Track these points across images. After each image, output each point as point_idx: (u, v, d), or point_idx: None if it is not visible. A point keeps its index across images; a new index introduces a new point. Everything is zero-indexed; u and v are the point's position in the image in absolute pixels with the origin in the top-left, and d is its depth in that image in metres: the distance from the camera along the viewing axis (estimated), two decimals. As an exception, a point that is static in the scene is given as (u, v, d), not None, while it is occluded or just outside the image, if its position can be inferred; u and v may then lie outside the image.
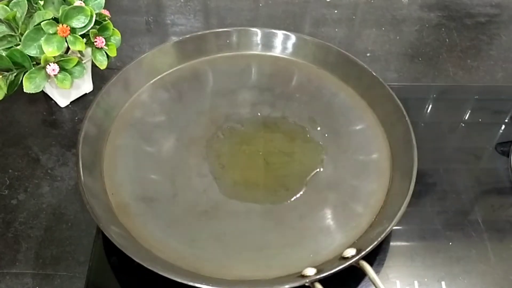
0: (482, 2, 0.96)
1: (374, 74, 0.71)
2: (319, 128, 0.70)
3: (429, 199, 0.67)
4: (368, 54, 0.85)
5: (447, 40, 0.89)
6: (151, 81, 0.74)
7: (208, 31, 0.78)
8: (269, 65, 0.77)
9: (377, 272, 0.59)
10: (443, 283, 0.58)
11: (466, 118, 0.77)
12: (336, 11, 0.93)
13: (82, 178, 0.58)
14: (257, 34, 0.78)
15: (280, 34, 0.77)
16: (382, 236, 0.55)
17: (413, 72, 0.83)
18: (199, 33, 0.77)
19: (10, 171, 0.67)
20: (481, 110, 0.79)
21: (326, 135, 0.69)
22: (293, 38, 0.77)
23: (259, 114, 0.72)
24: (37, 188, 0.66)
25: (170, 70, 0.75)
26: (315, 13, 0.94)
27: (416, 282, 0.58)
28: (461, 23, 0.92)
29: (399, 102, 0.67)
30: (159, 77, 0.74)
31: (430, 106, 0.78)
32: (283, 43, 0.78)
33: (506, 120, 0.77)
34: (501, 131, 0.76)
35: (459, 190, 0.68)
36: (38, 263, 0.59)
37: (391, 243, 0.61)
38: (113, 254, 0.60)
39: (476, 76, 0.83)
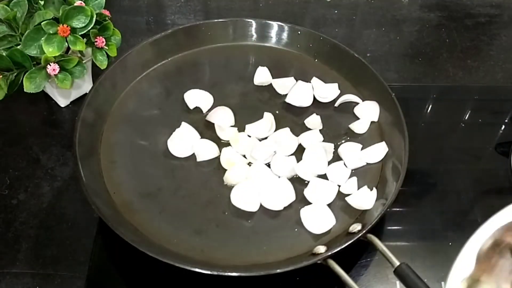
0: (482, 3, 0.96)
1: (368, 64, 0.72)
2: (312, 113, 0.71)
3: (429, 199, 0.67)
4: (368, 55, 0.85)
5: (447, 40, 0.89)
6: (140, 76, 0.74)
7: (202, 22, 0.78)
8: (264, 56, 0.78)
9: (376, 272, 0.59)
10: (443, 283, 0.58)
11: (466, 118, 0.77)
12: (336, 11, 0.93)
13: (84, 179, 0.59)
14: (252, 25, 0.78)
15: (274, 25, 0.78)
16: (384, 208, 0.57)
17: (413, 72, 0.84)
18: (194, 23, 0.78)
19: (10, 171, 0.67)
20: (481, 110, 0.79)
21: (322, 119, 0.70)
22: (286, 28, 0.77)
23: (249, 103, 0.72)
24: (37, 188, 0.66)
25: (159, 64, 0.75)
26: (315, 13, 0.94)
27: (416, 282, 0.58)
28: (461, 24, 0.92)
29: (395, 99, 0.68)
30: (147, 71, 0.74)
31: (430, 106, 0.78)
32: (277, 34, 0.78)
33: (506, 121, 0.77)
34: (501, 132, 0.76)
35: (459, 190, 0.68)
36: (38, 263, 0.59)
37: (391, 243, 0.61)
38: (113, 253, 0.60)
39: (476, 77, 0.83)
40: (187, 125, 0.67)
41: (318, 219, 0.59)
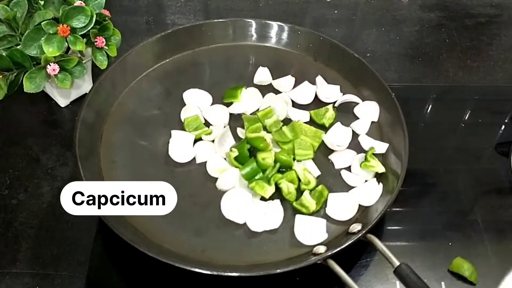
0: (482, 3, 0.96)
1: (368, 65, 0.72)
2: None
3: (429, 199, 0.67)
4: (368, 55, 0.85)
5: (447, 40, 0.89)
6: (140, 76, 0.74)
7: (202, 22, 0.79)
8: (264, 56, 0.77)
9: (376, 272, 0.59)
10: (443, 283, 0.58)
11: (466, 118, 0.77)
12: (336, 11, 0.93)
13: (84, 179, 0.59)
14: (252, 25, 0.78)
15: (274, 25, 0.78)
16: (384, 208, 0.57)
17: (413, 73, 0.84)
18: (194, 23, 0.78)
19: (10, 171, 0.67)
20: (481, 110, 0.79)
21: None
22: (286, 28, 0.77)
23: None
24: (37, 188, 0.66)
25: (159, 64, 0.75)
26: (315, 13, 0.94)
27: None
28: (461, 24, 0.92)
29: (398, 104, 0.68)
30: (147, 71, 0.74)
31: (430, 106, 0.78)
32: (277, 34, 0.78)
33: (506, 121, 0.77)
34: (501, 132, 0.76)
35: (459, 190, 0.68)
36: (38, 263, 0.59)
37: (391, 243, 0.61)
38: (113, 253, 0.60)
39: (476, 77, 0.83)
40: (178, 131, 0.67)
41: (310, 230, 0.59)
